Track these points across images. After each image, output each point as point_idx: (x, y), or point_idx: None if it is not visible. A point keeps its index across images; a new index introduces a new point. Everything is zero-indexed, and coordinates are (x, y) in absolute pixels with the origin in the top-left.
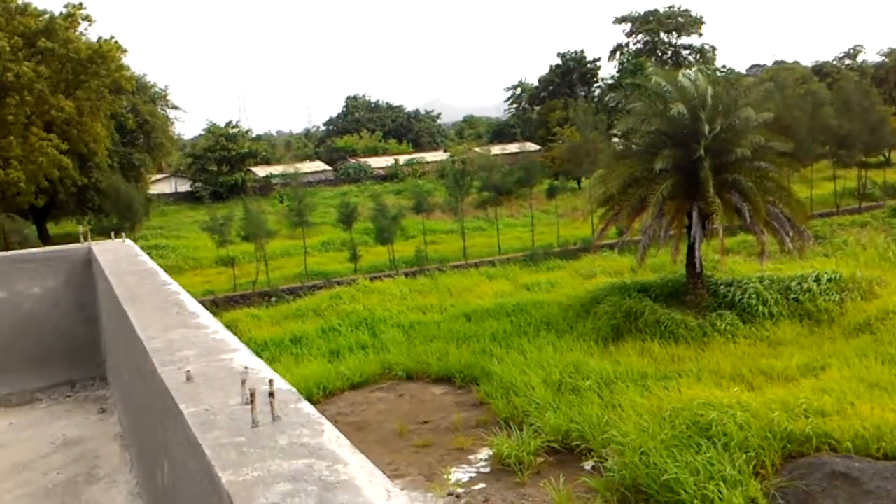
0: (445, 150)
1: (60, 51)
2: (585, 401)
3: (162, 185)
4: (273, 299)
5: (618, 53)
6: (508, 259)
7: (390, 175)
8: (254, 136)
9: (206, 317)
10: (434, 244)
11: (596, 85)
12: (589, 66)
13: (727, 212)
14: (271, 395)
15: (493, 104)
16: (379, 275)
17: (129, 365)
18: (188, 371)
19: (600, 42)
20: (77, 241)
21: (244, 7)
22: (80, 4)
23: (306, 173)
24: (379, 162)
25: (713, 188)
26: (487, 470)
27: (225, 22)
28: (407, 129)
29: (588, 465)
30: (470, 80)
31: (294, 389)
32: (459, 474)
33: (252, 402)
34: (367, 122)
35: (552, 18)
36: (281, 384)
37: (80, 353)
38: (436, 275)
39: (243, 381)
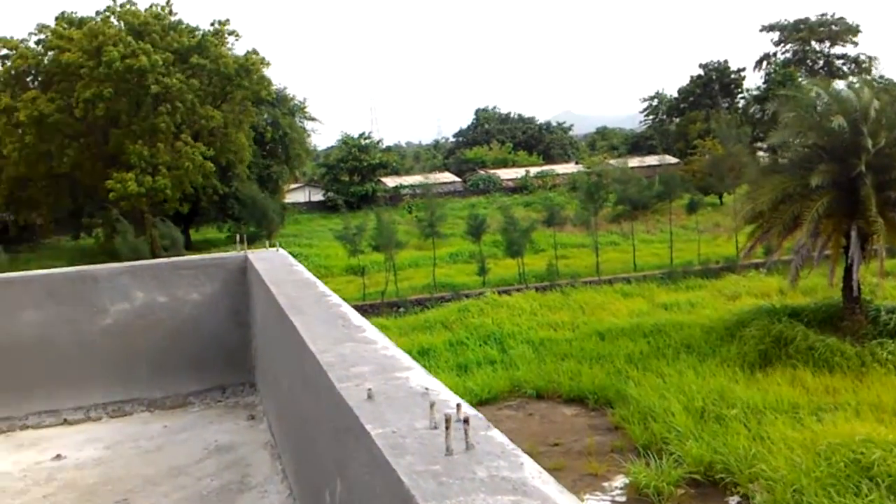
0: (577, 163)
1: (210, 66)
2: (730, 431)
3: (296, 195)
4: (401, 310)
5: (764, 63)
6: (645, 276)
7: (520, 187)
8: (384, 147)
9: (372, 331)
10: (565, 258)
11: (740, 96)
12: (732, 76)
13: (890, 232)
14: (466, 421)
15: (626, 115)
16: (508, 288)
17: (292, 376)
18: (369, 389)
19: (744, 51)
20: (217, 246)
21: (379, 20)
22: (226, 21)
23: (436, 184)
24: (508, 174)
25: (875, 206)
26: (623, 499)
27: (360, 35)
28: (537, 140)
29: (733, 500)
30: (602, 91)
31: (481, 415)
32: (593, 502)
33: (448, 428)
34: (496, 134)
35: (690, 27)
36: (467, 409)
37: (232, 358)
38: (567, 290)
39: (432, 405)
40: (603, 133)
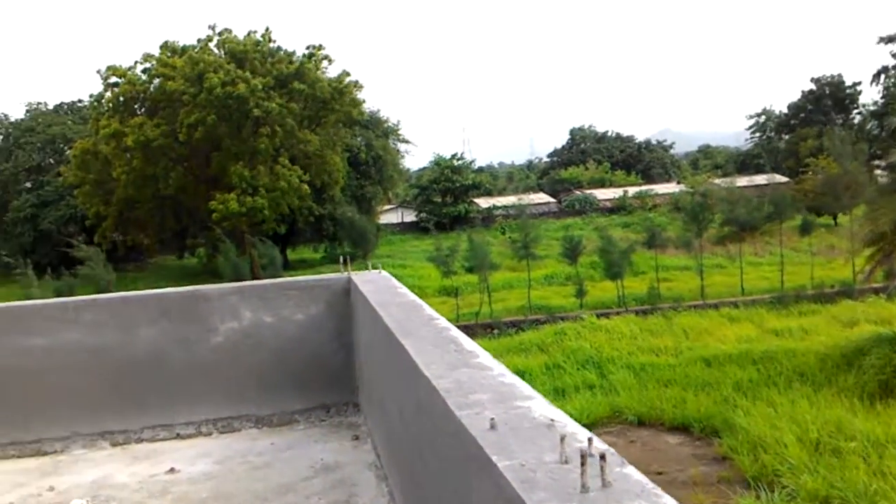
0: (679, 182)
1: (308, 91)
2: (848, 465)
3: (389, 216)
4: (495, 331)
5: (882, 77)
6: (753, 300)
7: (617, 207)
8: (477, 167)
9: (485, 357)
10: (667, 281)
11: (856, 111)
12: (847, 90)
13: None
14: (602, 457)
15: (730, 133)
16: (606, 311)
17: (403, 399)
18: (492, 419)
19: (860, 64)
20: (312, 266)
21: (470, 42)
22: (320, 46)
23: (529, 205)
24: (605, 194)
25: None
26: None
27: (453, 57)
28: (636, 159)
29: None
30: (703, 108)
31: (613, 451)
32: None
33: (583, 464)
34: (592, 153)
35: (800, 40)
36: (600, 443)
37: (336, 378)
38: (670, 314)
39: (562, 438)
40: (706, 151)
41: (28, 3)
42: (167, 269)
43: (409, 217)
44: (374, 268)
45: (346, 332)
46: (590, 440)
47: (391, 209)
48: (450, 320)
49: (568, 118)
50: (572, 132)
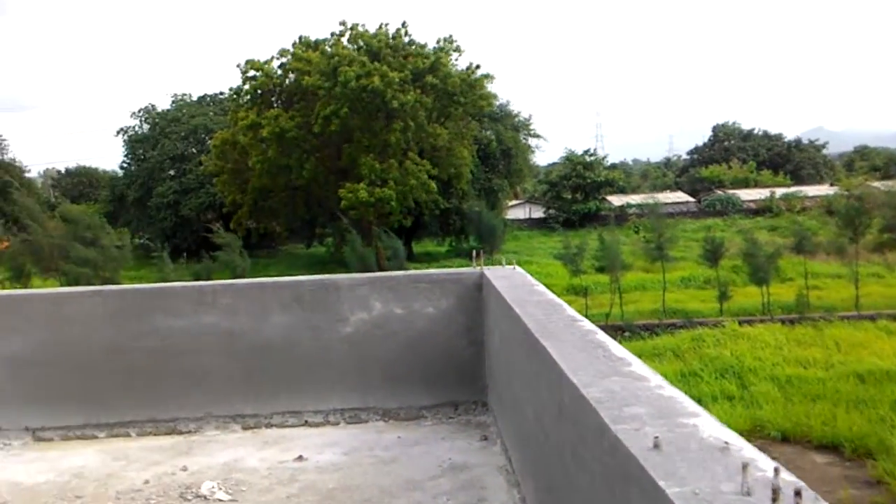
0: (832, 184)
1: (440, 84)
2: None
3: (516, 211)
4: (626, 334)
5: None
6: None
7: (763, 209)
8: (609, 164)
9: (639, 365)
10: (817, 289)
11: None
12: None
13: None
14: (797, 493)
15: (890, 133)
16: (749, 318)
17: (542, 404)
18: (656, 437)
19: None
20: (437, 260)
21: (607, 34)
22: (451, 37)
23: (666, 204)
24: (750, 194)
25: None
26: None
27: (588, 50)
28: (785, 159)
29: None
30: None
31: (800, 481)
32: None
33: (775, 500)
34: (737, 152)
35: None
36: (787, 474)
37: (465, 375)
38: (820, 324)
39: (744, 466)
40: (862, 152)
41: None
42: (296, 257)
43: (537, 213)
44: (508, 263)
45: (477, 328)
46: (776, 470)
47: (518, 204)
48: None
49: (710, 114)
50: (715, 129)
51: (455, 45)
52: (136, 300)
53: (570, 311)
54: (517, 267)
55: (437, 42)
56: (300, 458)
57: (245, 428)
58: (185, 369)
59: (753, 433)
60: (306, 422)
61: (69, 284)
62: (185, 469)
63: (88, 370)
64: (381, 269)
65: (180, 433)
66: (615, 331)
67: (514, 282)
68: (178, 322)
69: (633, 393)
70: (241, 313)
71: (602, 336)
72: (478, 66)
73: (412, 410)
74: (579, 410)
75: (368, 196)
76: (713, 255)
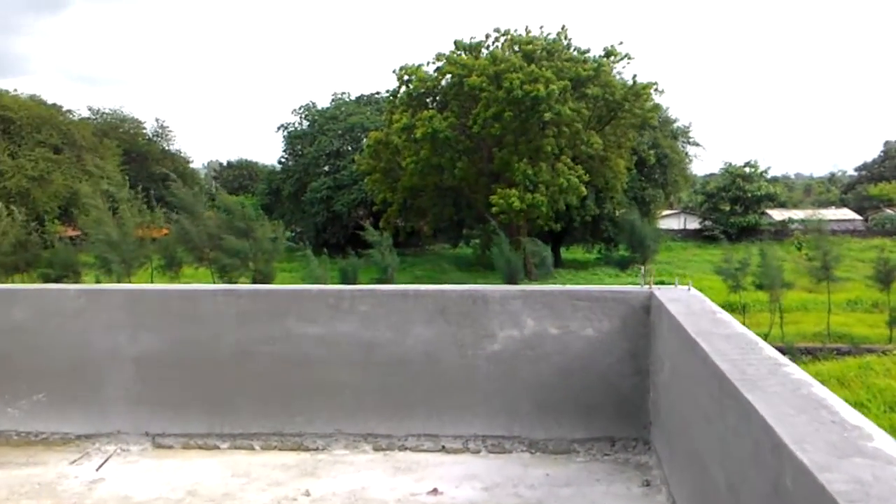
0: None
1: (600, 93)
2: None
3: (670, 221)
4: (786, 356)
5: None
6: None
7: None
8: (771, 177)
9: (881, 437)
10: None
11: None
12: None
13: None
14: None
15: None
16: None
17: (742, 473)
18: None
19: None
20: (586, 268)
21: (772, 41)
22: (619, 44)
23: (831, 221)
24: None
25: None
26: None
27: (752, 56)
28: None
29: None
30: None
31: None
32: None
33: None
34: None
35: None
36: None
37: (624, 408)
38: None
39: None
40: None
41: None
42: (443, 257)
43: (693, 224)
44: (682, 283)
45: (643, 356)
46: None
47: (673, 214)
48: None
49: (881, 129)
50: (887, 145)
51: (623, 53)
52: (269, 301)
53: (770, 349)
54: (693, 289)
55: (603, 50)
56: (435, 491)
57: (376, 449)
58: (316, 380)
59: None
60: (443, 447)
61: (220, 274)
62: (307, 494)
63: (215, 375)
64: (528, 275)
65: (307, 450)
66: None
67: (691, 307)
68: (313, 329)
69: (890, 485)
70: (381, 323)
71: (819, 389)
72: (654, 83)
73: (563, 443)
74: (811, 498)
75: (520, 203)
76: (886, 277)
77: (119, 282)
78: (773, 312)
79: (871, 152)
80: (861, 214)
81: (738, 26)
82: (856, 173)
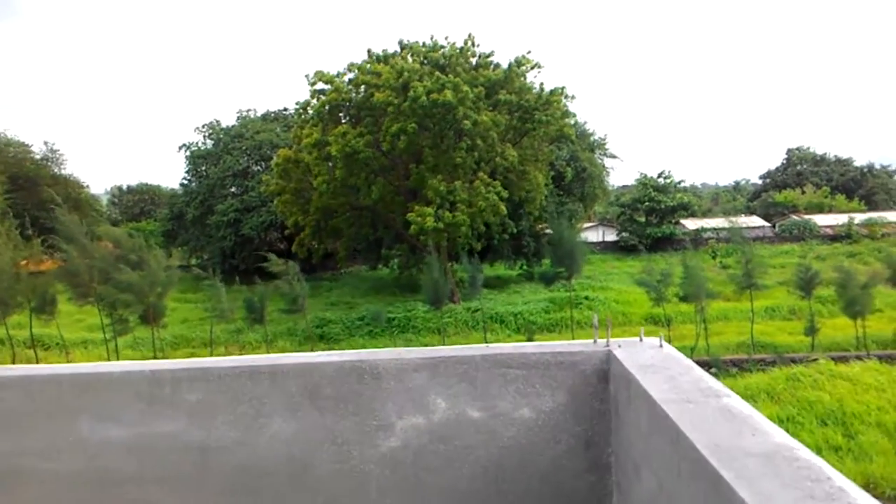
0: None
1: (514, 99)
2: None
3: (588, 233)
4: (713, 370)
5: None
6: None
7: (841, 235)
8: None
9: None
10: None
11: None
12: None
13: None
14: None
15: None
16: (843, 355)
17: None
18: None
19: None
20: (509, 284)
21: (668, 55)
22: (528, 52)
23: (742, 228)
24: (825, 220)
25: None
26: None
27: (653, 68)
28: (857, 184)
29: None
30: None
31: None
32: None
33: None
34: (810, 176)
35: None
36: None
37: None
38: None
39: None
40: None
41: (240, 15)
42: (361, 279)
43: (610, 236)
44: (648, 333)
45: (601, 444)
46: None
47: (591, 227)
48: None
49: (778, 138)
50: (789, 153)
51: (533, 62)
52: (48, 394)
53: (781, 435)
54: (665, 343)
55: (514, 59)
56: None
57: None
58: None
59: (867, 492)
60: None
61: (107, 311)
62: None
63: None
64: (451, 297)
65: None
66: (701, 367)
67: (669, 371)
68: (117, 431)
69: None
70: (220, 416)
71: (828, 469)
72: (562, 88)
73: None
74: None
75: (436, 222)
76: (807, 284)
77: None
78: (699, 324)
79: (774, 160)
80: (768, 221)
81: (641, 37)
82: (760, 181)
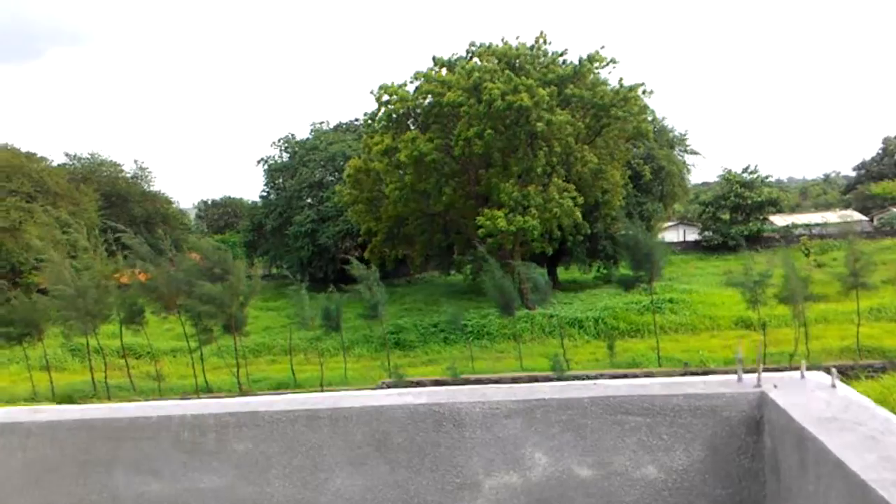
0: None
1: (586, 95)
2: None
3: (668, 234)
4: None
5: None
6: None
7: None
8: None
9: None
10: None
11: None
12: None
13: None
14: None
15: None
16: None
17: None
18: None
19: None
20: (584, 289)
21: (762, 46)
22: (602, 48)
23: (836, 224)
24: None
25: None
26: None
27: (746, 62)
28: None
29: None
30: None
31: None
32: None
33: None
34: None
35: None
36: None
37: None
38: None
39: None
40: None
41: (312, 35)
42: (434, 286)
43: (691, 235)
44: (812, 362)
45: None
46: None
47: (672, 226)
48: (753, 361)
49: (871, 128)
50: (885, 141)
51: (608, 58)
52: (77, 443)
53: None
54: (838, 381)
55: (586, 55)
56: None
57: None
58: None
59: None
60: None
61: (192, 321)
62: None
63: None
64: (524, 302)
65: None
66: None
67: (862, 429)
68: (155, 486)
69: None
70: (274, 470)
71: None
72: (641, 85)
73: None
74: None
75: (508, 224)
76: None
77: (84, 335)
78: (798, 328)
79: (867, 151)
80: (866, 215)
81: (723, 30)
82: (853, 173)
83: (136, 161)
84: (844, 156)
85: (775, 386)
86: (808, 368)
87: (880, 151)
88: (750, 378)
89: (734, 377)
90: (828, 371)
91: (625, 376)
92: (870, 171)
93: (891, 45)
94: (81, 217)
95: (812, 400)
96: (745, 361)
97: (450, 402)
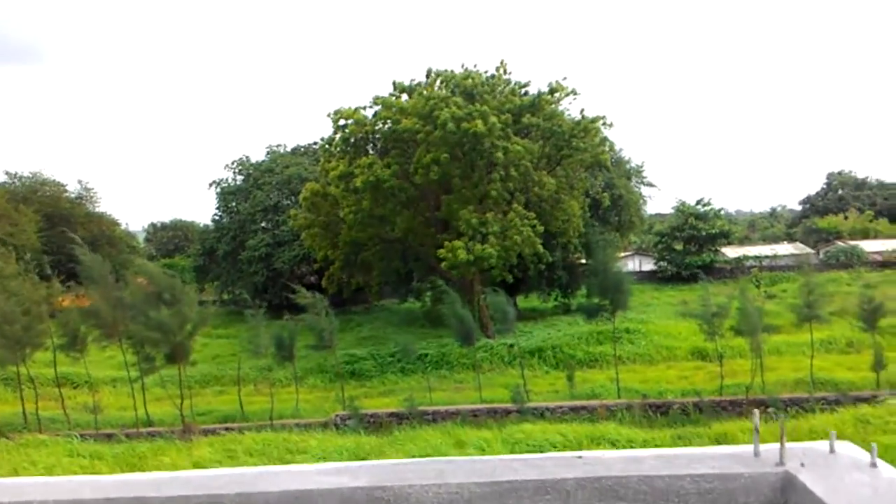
0: None
1: (545, 125)
2: None
3: (625, 263)
4: (770, 410)
5: None
6: None
7: (891, 262)
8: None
9: None
10: None
11: None
12: None
13: None
14: None
15: None
16: None
17: None
18: None
19: None
20: (544, 317)
21: (723, 87)
22: (563, 79)
23: (783, 256)
24: (872, 246)
25: None
26: None
27: (698, 97)
28: None
29: None
30: None
31: None
32: None
33: None
34: (852, 201)
35: None
36: None
37: None
38: None
39: None
40: None
41: (269, 55)
42: (392, 313)
43: (647, 265)
44: (873, 447)
45: None
46: None
47: (627, 256)
48: (712, 393)
49: (819, 161)
50: (829, 177)
51: (568, 89)
52: None
53: None
54: (877, 458)
55: (548, 85)
56: None
57: None
58: None
59: None
60: None
61: (134, 349)
62: None
63: None
64: (484, 330)
65: None
66: (757, 405)
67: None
68: None
69: None
70: None
71: None
72: (591, 119)
73: None
74: None
75: (467, 255)
76: (871, 315)
77: (14, 364)
78: (754, 360)
79: (812, 186)
80: (811, 248)
81: (678, 67)
82: (799, 207)
83: (80, 181)
84: (790, 190)
85: (802, 464)
86: (762, 401)
87: (825, 186)
88: (770, 453)
89: (749, 449)
90: (863, 446)
91: (584, 409)
92: (815, 206)
93: (834, 84)
94: (20, 238)
95: (850, 483)
96: (701, 394)
97: (397, 484)
